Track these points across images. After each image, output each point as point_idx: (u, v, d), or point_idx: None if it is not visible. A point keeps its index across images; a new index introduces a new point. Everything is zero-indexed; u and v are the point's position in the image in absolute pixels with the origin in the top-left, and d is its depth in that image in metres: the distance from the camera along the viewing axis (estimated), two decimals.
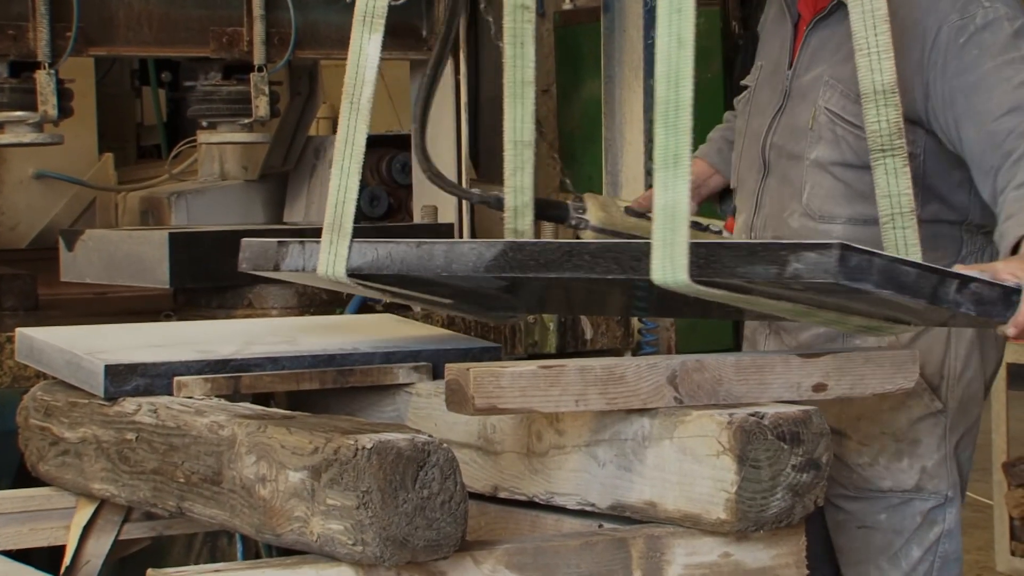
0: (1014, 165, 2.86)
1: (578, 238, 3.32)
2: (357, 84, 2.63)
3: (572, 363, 2.37)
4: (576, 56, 6.38)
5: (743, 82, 3.31)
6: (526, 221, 2.96)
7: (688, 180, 2.32)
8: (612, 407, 2.38)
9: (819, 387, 2.49)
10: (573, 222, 3.12)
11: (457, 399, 2.33)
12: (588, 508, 2.49)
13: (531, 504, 2.58)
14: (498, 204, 3.10)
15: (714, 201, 3.52)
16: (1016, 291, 2.44)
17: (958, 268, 2.58)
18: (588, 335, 4.05)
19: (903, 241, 2.67)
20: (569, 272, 2.34)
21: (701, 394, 2.41)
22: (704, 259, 2.25)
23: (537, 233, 3.03)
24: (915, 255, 2.64)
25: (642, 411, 2.41)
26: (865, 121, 2.68)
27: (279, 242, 2.72)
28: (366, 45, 2.62)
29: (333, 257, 2.64)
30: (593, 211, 3.17)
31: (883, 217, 2.68)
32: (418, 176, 4.72)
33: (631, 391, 2.38)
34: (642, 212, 3.38)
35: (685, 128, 2.33)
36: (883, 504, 3.07)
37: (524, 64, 2.91)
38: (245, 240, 2.78)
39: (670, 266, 2.27)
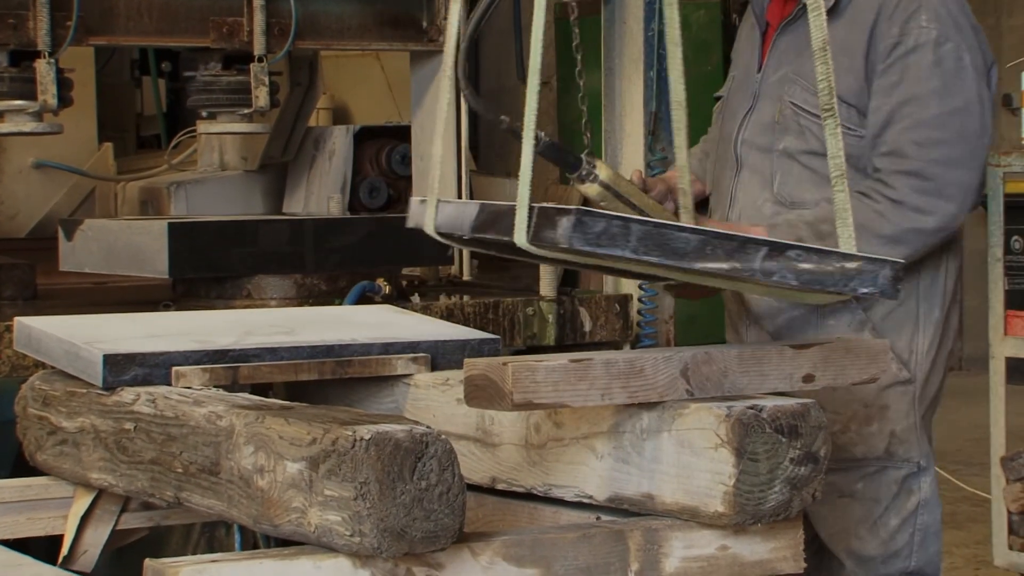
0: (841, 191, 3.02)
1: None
2: None
3: (598, 356, 2.37)
4: (579, 48, 6.38)
5: (717, 94, 3.51)
6: (685, 179, 3.06)
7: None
8: (633, 400, 2.38)
9: (808, 378, 2.51)
10: (584, 172, 3.16)
11: (487, 395, 2.31)
12: (586, 500, 2.49)
13: (529, 496, 2.58)
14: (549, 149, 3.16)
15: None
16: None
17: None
18: (587, 327, 4.06)
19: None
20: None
21: (709, 386, 2.42)
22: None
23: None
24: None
25: (640, 404, 2.41)
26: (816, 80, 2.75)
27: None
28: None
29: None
30: (603, 169, 3.21)
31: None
32: (417, 167, 4.72)
33: (650, 384, 2.38)
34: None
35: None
36: (859, 473, 3.22)
37: (674, 26, 2.95)
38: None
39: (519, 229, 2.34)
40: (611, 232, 2.30)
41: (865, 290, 2.47)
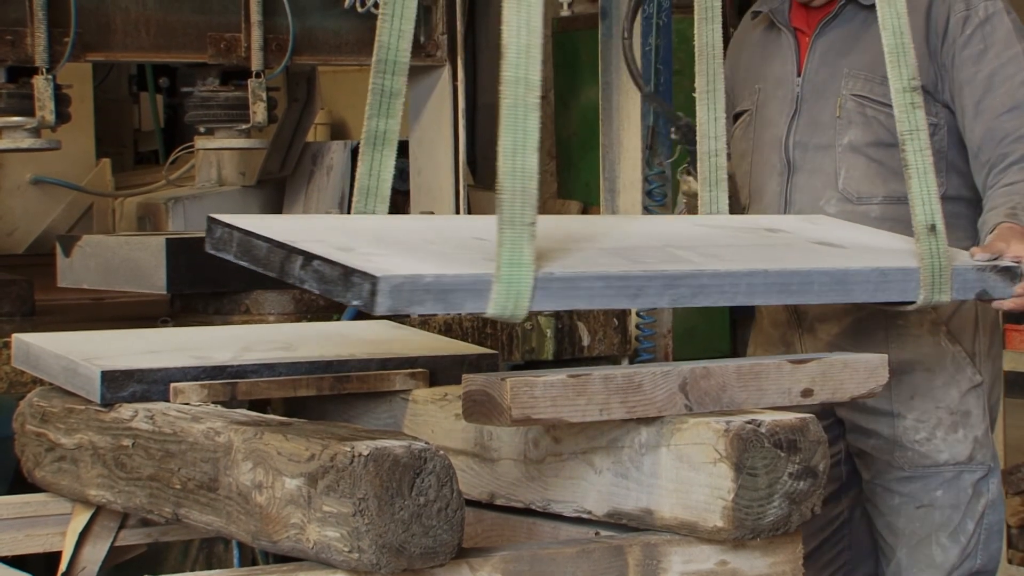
0: (1007, 168, 3.11)
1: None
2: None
3: (596, 372, 2.37)
4: (574, 62, 6.39)
5: (739, 108, 3.45)
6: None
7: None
8: (631, 415, 2.38)
9: (806, 392, 2.51)
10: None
11: (485, 410, 2.31)
12: (585, 515, 2.48)
13: (528, 511, 2.58)
14: (688, 131, 3.21)
15: None
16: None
17: (975, 250, 2.87)
18: (585, 341, 4.06)
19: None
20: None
21: (708, 400, 2.42)
22: None
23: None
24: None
25: (639, 418, 2.41)
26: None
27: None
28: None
29: None
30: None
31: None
32: (415, 182, 4.73)
33: (648, 399, 2.38)
34: None
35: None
36: (938, 480, 3.24)
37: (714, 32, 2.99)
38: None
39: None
40: (222, 238, 2.39)
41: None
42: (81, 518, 2.78)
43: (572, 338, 4.03)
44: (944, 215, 2.81)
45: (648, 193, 4.19)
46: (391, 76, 2.65)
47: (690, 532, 2.36)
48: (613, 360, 4.11)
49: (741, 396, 2.45)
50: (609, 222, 2.93)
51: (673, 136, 3.37)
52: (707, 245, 2.68)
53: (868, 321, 3.22)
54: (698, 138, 3.02)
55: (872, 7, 3.20)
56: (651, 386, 2.38)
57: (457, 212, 4.55)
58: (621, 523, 2.44)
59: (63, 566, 2.79)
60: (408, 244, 2.43)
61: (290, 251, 2.31)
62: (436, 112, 4.56)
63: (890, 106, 3.10)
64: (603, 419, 2.36)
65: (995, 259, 2.82)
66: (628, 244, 2.60)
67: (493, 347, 3.77)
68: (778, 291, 2.59)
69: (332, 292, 2.27)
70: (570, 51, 6.32)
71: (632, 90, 4.21)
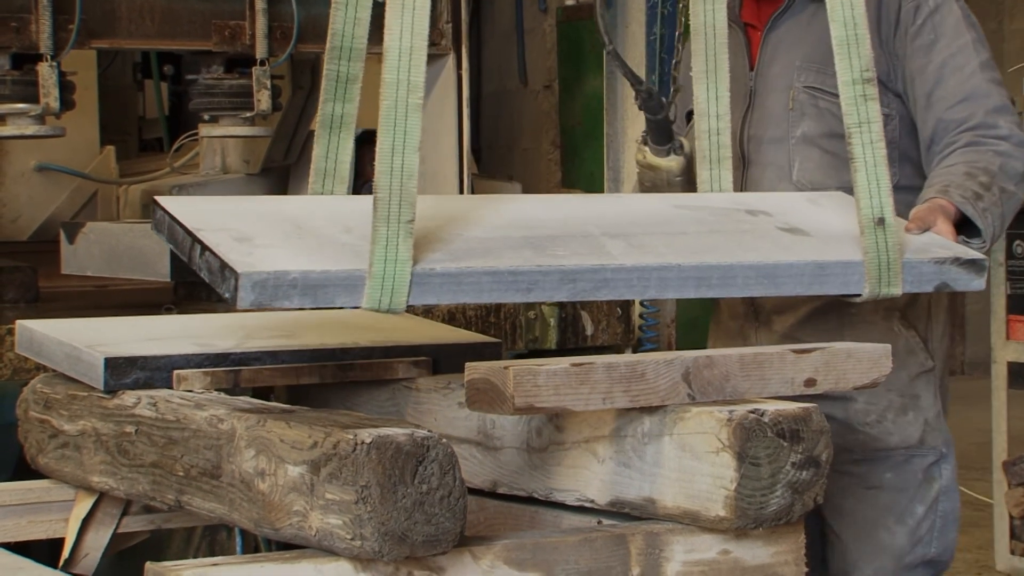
0: (951, 153, 3.10)
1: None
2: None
3: (599, 360, 2.37)
4: (578, 52, 6.38)
5: (692, 106, 3.39)
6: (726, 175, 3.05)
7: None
8: (634, 404, 2.38)
9: (810, 382, 2.51)
10: (675, 144, 3.22)
11: (488, 398, 2.31)
12: (587, 504, 2.49)
13: (530, 500, 2.58)
14: (649, 98, 3.17)
15: None
16: None
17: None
18: (589, 331, 4.06)
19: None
20: None
21: (711, 390, 2.42)
22: None
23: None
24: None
25: (642, 407, 2.41)
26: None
27: None
28: None
29: None
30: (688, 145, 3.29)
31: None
32: (419, 170, 4.72)
33: (651, 388, 2.38)
34: None
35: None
36: (888, 463, 3.23)
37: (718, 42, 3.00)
38: None
39: None
40: (160, 221, 2.45)
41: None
42: (84, 505, 2.78)
43: (576, 327, 4.03)
44: (897, 205, 2.80)
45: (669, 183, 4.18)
46: (346, 62, 2.69)
47: (692, 521, 2.36)
48: (616, 350, 4.11)
49: (744, 386, 2.45)
50: (563, 203, 2.90)
51: (636, 102, 3.33)
52: (648, 233, 2.66)
53: (822, 309, 3.21)
54: (697, 117, 3.01)
55: None
56: (654, 375, 2.38)
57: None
58: (624, 512, 2.44)
59: (66, 552, 2.79)
60: (320, 235, 2.45)
61: (194, 240, 2.38)
62: (440, 100, 4.55)
63: (839, 95, 3.11)
64: (606, 408, 2.36)
65: (957, 256, 2.78)
66: (552, 232, 2.60)
67: (496, 336, 3.77)
68: (695, 285, 2.58)
69: (215, 283, 2.34)
70: (574, 40, 6.31)
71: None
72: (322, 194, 2.71)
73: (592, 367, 2.34)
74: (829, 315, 3.21)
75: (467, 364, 2.36)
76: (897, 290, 2.73)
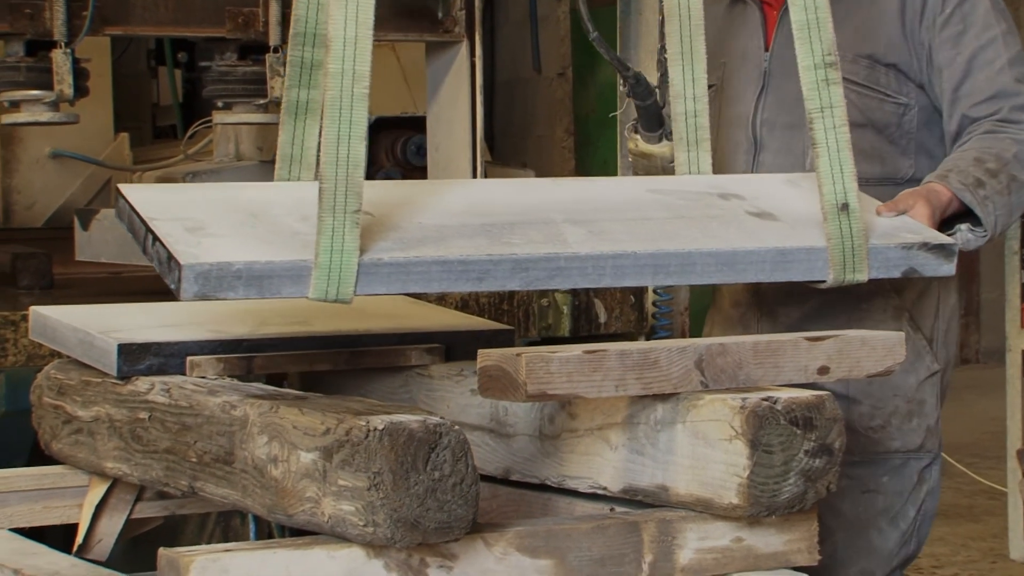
0: (968, 141, 3.06)
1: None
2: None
3: (612, 348, 2.36)
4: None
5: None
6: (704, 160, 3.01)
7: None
8: (647, 392, 2.37)
9: (823, 370, 2.50)
10: (667, 130, 3.17)
11: (501, 385, 2.31)
12: (600, 491, 2.49)
13: (543, 487, 2.58)
14: (637, 85, 3.12)
15: None
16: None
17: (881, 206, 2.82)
18: (602, 318, 4.05)
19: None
20: None
21: (724, 378, 2.41)
22: None
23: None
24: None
25: (655, 395, 2.41)
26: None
27: None
28: None
29: None
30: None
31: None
32: (433, 158, 4.72)
33: (664, 376, 2.37)
34: None
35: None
36: (887, 467, 3.20)
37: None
38: None
39: None
40: (122, 209, 2.46)
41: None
42: (98, 490, 2.79)
43: (589, 315, 4.03)
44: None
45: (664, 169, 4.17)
46: (310, 48, 2.70)
47: (705, 509, 2.36)
48: (629, 337, 4.10)
49: (758, 373, 2.44)
50: (531, 188, 2.88)
51: (622, 89, 3.28)
52: (612, 219, 2.64)
53: (830, 305, 3.16)
54: (672, 99, 2.96)
55: None
56: (667, 363, 2.37)
57: None
58: (636, 499, 2.44)
59: (80, 538, 2.80)
60: (274, 224, 2.45)
61: (147, 229, 2.39)
62: (454, 88, 4.55)
63: (859, 84, 3.07)
64: (619, 395, 2.36)
65: (924, 240, 2.75)
66: (511, 219, 2.58)
67: (509, 323, 3.77)
68: (652, 272, 2.56)
69: (163, 274, 2.35)
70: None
71: (651, 66, 4.19)
72: (288, 180, 2.72)
73: (605, 354, 2.34)
74: (837, 310, 3.16)
75: (480, 351, 2.36)
76: (863, 276, 2.69)
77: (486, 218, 2.56)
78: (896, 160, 3.15)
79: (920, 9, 3.12)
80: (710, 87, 3.28)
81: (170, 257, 2.32)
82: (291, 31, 2.68)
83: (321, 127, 2.64)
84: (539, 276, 2.48)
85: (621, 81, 3.23)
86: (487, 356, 2.34)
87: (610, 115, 3.58)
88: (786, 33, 3.15)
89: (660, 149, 3.20)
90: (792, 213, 2.77)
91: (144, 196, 2.47)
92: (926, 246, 2.74)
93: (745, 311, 3.30)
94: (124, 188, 2.49)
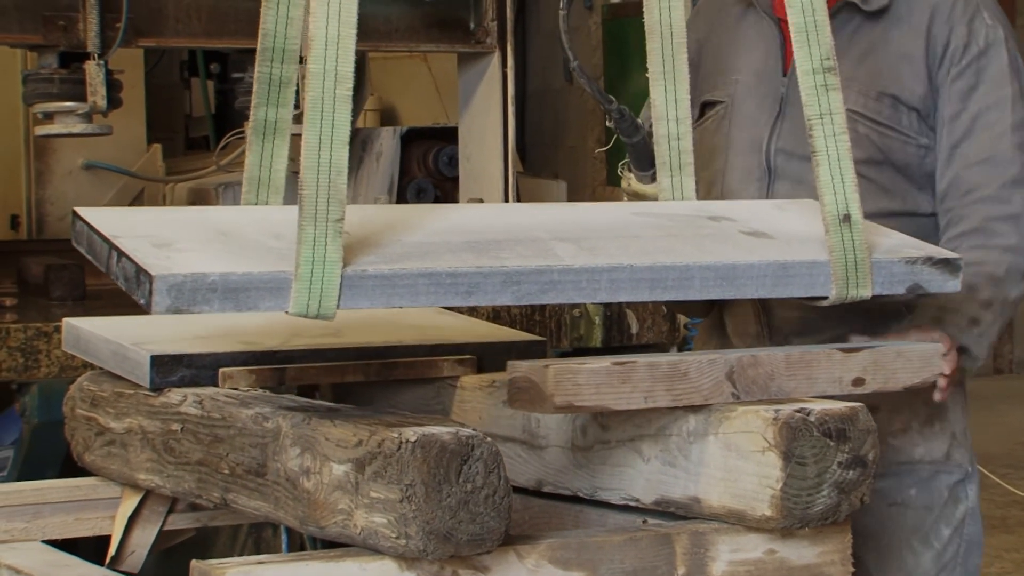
0: (958, 237, 2.96)
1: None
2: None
3: (641, 359, 2.35)
4: (624, 49, 6.36)
5: (710, 97, 3.20)
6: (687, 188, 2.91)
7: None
8: (677, 403, 2.36)
9: (858, 381, 2.48)
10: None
11: (529, 397, 2.30)
12: (632, 503, 2.48)
13: (575, 499, 2.58)
14: (621, 119, 3.03)
15: None
16: None
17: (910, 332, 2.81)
18: (634, 329, 4.05)
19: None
20: None
21: (755, 389, 2.40)
22: None
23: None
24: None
25: (687, 406, 2.40)
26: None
27: None
28: None
29: None
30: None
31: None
32: (464, 168, 4.73)
33: (694, 387, 2.36)
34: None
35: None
36: (913, 478, 3.09)
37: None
38: None
39: None
40: (80, 232, 2.36)
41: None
42: (130, 502, 2.79)
43: (621, 326, 4.03)
44: (917, 230, 2.71)
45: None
46: (279, 64, 2.57)
47: (738, 521, 2.35)
48: (661, 348, 4.10)
49: (790, 385, 2.43)
50: (513, 211, 2.78)
51: (608, 124, 3.17)
52: (600, 237, 2.52)
53: (855, 332, 3.00)
54: (654, 121, 2.84)
55: (873, 15, 3.03)
56: (697, 374, 2.36)
57: (506, 198, 4.55)
58: (669, 511, 2.43)
59: (112, 550, 2.80)
60: (246, 240, 2.34)
61: (111, 247, 2.28)
62: (485, 99, 4.56)
63: (882, 124, 2.98)
64: (648, 407, 2.35)
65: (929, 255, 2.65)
66: (497, 237, 2.46)
67: (541, 334, 3.77)
68: (649, 287, 2.44)
69: (131, 290, 2.23)
70: (620, 38, 6.30)
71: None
72: (256, 204, 2.58)
73: (634, 366, 2.33)
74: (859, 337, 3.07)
75: (509, 362, 2.35)
76: (867, 292, 2.55)
77: (470, 236, 2.45)
78: (915, 196, 3.06)
79: (940, 56, 3.02)
80: (719, 103, 3.19)
81: (139, 271, 2.20)
82: (258, 46, 2.56)
83: (286, 146, 2.56)
84: (531, 290, 2.36)
85: (607, 116, 3.09)
86: (516, 368, 2.33)
87: (596, 152, 3.50)
88: None
89: (653, 189, 3.03)
90: (787, 232, 2.67)
91: (103, 217, 2.37)
92: (931, 260, 2.61)
93: (753, 342, 3.15)
94: (81, 211, 2.38)
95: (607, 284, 2.40)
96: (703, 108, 3.21)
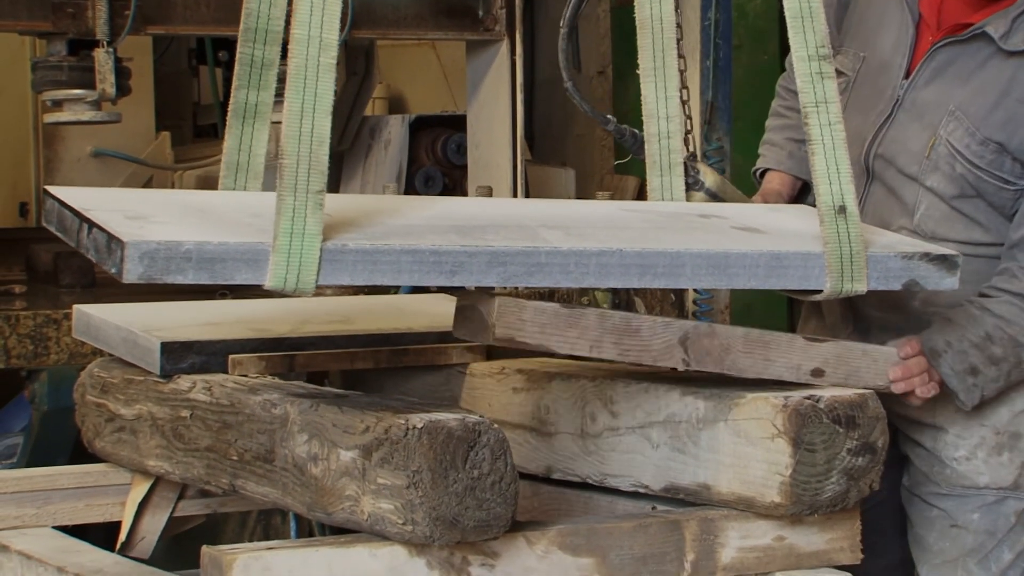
0: (998, 286, 2.86)
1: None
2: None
3: (591, 309, 2.34)
4: (632, 37, 6.34)
5: (838, 65, 3.03)
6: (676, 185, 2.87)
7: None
8: (623, 358, 2.34)
9: (817, 372, 2.44)
10: (689, 180, 2.97)
11: (472, 326, 2.26)
12: (641, 490, 2.48)
13: (584, 486, 2.58)
14: (632, 140, 2.97)
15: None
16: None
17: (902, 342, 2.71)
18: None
19: None
20: None
21: (708, 360, 2.38)
22: None
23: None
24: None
25: (696, 393, 2.40)
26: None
27: None
28: None
29: None
30: (709, 175, 3.04)
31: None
32: (473, 156, 4.72)
33: (643, 345, 2.33)
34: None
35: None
36: (977, 502, 2.98)
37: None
38: None
39: None
40: (49, 210, 2.31)
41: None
42: (140, 488, 2.80)
43: (629, 312, 4.02)
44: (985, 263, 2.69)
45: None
46: (261, 45, 2.53)
47: (747, 507, 2.35)
48: None
49: (745, 362, 2.39)
50: (499, 203, 2.74)
51: (610, 131, 3.10)
52: (588, 226, 2.48)
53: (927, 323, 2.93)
54: (645, 118, 2.80)
55: (1009, 54, 2.87)
56: (649, 333, 2.32)
57: (514, 186, 4.54)
58: (678, 498, 2.44)
59: (123, 536, 2.81)
60: (222, 218, 2.30)
61: (81, 220, 2.22)
62: (494, 87, 4.55)
63: (981, 168, 2.87)
64: (593, 356, 2.30)
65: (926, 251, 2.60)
66: (483, 223, 2.42)
67: None
68: (639, 273, 2.37)
69: (102, 260, 2.17)
70: (628, 25, 6.29)
71: (692, 65, 4.19)
72: (234, 189, 2.55)
73: (584, 312, 2.29)
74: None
75: (460, 292, 2.29)
76: (862, 286, 2.50)
77: (456, 221, 2.41)
78: (1005, 228, 2.94)
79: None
80: (843, 75, 3.02)
81: (111, 239, 2.13)
82: (241, 26, 2.51)
83: (266, 130, 2.53)
84: (517, 272, 2.29)
85: (609, 129, 3.00)
86: (465, 296, 2.30)
87: (612, 164, 3.42)
88: (931, 71, 2.96)
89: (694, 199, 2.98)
90: (780, 229, 2.63)
91: (76, 194, 2.33)
92: (927, 256, 2.57)
93: (837, 321, 3.08)
94: (53, 189, 2.34)
95: (596, 268, 2.33)
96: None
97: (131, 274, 2.11)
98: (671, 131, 2.79)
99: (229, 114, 2.56)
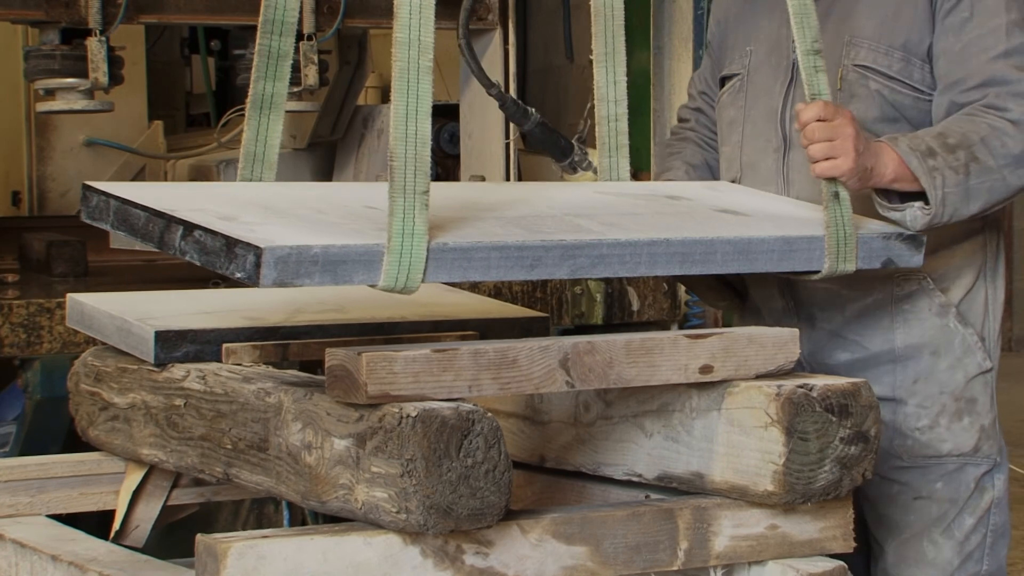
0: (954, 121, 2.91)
1: (562, 178, 3.23)
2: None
3: (465, 347, 2.27)
4: (625, 27, 6.34)
5: (728, 72, 3.17)
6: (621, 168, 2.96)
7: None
8: (505, 392, 2.30)
9: (705, 368, 2.41)
10: (575, 159, 3.05)
11: (344, 386, 2.21)
12: (635, 479, 2.49)
13: (578, 474, 2.59)
14: (515, 108, 3.02)
15: None
16: (238, 244, 2.23)
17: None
18: (635, 306, 4.05)
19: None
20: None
21: (592, 378, 2.33)
22: None
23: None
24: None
25: (689, 383, 2.41)
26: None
27: None
28: None
29: None
30: (596, 158, 3.10)
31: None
32: (466, 145, 4.72)
33: (524, 375, 2.29)
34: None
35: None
36: (939, 471, 3.03)
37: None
38: None
39: None
40: (98, 207, 2.34)
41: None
42: (134, 477, 2.80)
43: (622, 303, 4.03)
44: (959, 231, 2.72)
45: None
46: (279, 37, 2.57)
47: (740, 496, 2.36)
48: (662, 325, 4.10)
49: (631, 373, 2.36)
50: (507, 190, 2.75)
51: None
52: (608, 213, 2.59)
53: (873, 307, 3.01)
54: (596, 102, 2.87)
55: None
56: (528, 362, 2.29)
57: (507, 175, 4.55)
58: (671, 487, 2.44)
59: (117, 524, 2.81)
60: (296, 214, 2.35)
61: (170, 220, 2.24)
62: (488, 75, 4.55)
63: (893, 78, 2.92)
64: (474, 396, 2.26)
65: (900, 231, 2.73)
66: (527, 213, 2.51)
67: (543, 311, 3.77)
68: (680, 261, 2.50)
69: (215, 264, 2.19)
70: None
71: (684, 54, 4.19)
72: (251, 180, 2.60)
73: (456, 353, 2.24)
74: (881, 314, 3.00)
75: (327, 350, 2.26)
76: (851, 266, 2.66)
77: (506, 212, 2.47)
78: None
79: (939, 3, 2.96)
80: (735, 76, 3.13)
81: (233, 243, 2.15)
82: (260, 18, 2.56)
83: (280, 120, 2.57)
84: (584, 264, 2.40)
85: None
86: (333, 355, 2.24)
87: (505, 141, 3.43)
88: (818, 16, 2.99)
89: (579, 180, 3.05)
90: (751, 210, 2.75)
91: (135, 192, 2.33)
92: (901, 236, 2.74)
93: (781, 317, 3.11)
94: (99, 185, 2.35)
95: (647, 258, 2.47)
96: (722, 83, 3.18)
97: (267, 279, 2.15)
98: (618, 114, 2.91)
99: (248, 105, 2.60)
